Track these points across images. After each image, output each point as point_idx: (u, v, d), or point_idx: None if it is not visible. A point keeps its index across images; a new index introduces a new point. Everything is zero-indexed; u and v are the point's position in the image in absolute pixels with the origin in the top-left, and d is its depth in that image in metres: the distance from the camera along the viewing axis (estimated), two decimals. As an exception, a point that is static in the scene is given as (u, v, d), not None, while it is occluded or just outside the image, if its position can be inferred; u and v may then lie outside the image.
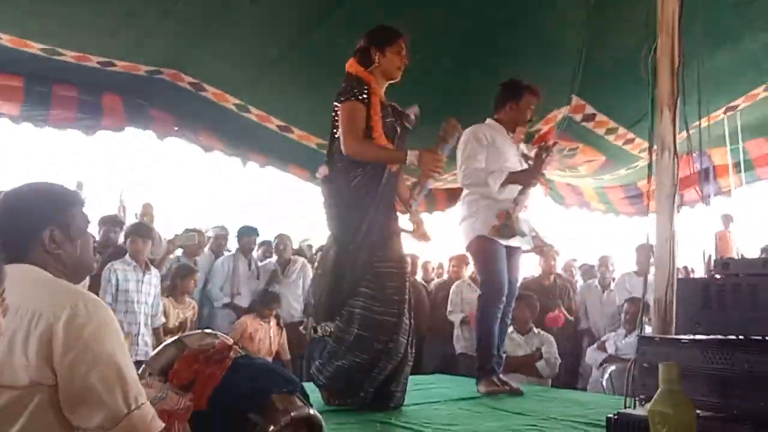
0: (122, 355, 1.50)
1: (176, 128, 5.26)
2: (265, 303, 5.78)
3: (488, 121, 3.96)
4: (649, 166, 3.36)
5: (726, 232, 7.03)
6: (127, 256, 4.90)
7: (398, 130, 3.25)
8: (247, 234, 6.42)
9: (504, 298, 3.81)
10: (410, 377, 3.33)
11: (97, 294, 4.17)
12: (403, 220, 3.42)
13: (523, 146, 4.01)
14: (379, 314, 3.10)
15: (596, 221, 8.53)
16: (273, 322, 5.79)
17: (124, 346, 1.54)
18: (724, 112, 5.03)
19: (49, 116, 4.70)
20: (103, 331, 1.46)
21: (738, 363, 1.93)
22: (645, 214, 3.55)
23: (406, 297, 3.18)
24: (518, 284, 4.09)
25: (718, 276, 2.14)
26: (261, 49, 4.46)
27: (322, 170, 3.31)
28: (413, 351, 3.28)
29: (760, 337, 1.97)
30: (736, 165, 4.14)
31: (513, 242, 3.86)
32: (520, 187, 3.79)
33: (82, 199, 1.73)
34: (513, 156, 3.89)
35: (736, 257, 5.36)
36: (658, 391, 1.84)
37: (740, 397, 1.90)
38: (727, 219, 6.55)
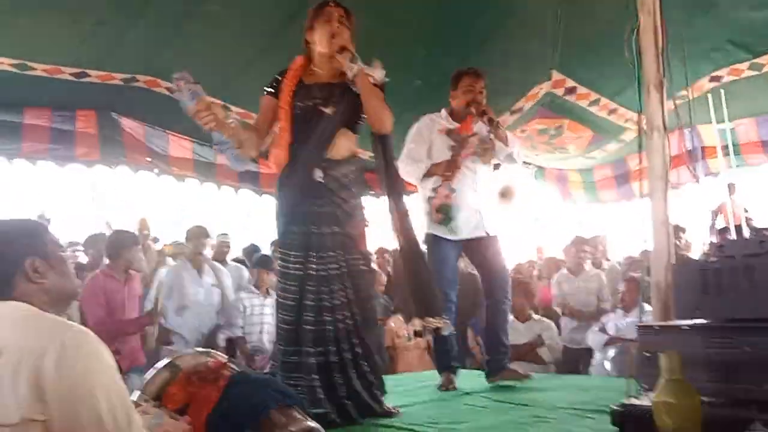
0: (115, 386, 1.48)
1: (149, 159, 5.24)
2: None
3: (442, 111, 3.94)
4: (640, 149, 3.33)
5: (729, 202, 6.98)
6: None
7: (332, 105, 3.01)
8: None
9: (450, 296, 3.74)
10: (414, 374, 3.25)
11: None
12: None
13: (482, 128, 3.89)
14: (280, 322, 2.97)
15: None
16: None
17: (117, 374, 1.52)
18: (709, 81, 5.01)
19: (22, 148, 4.73)
20: (93, 363, 1.45)
21: (739, 346, 1.91)
22: (629, 199, 3.57)
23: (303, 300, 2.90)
24: (504, 272, 3.95)
25: (714, 259, 2.11)
26: (237, 49, 4.42)
27: None
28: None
29: (760, 319, 1.93)
30: (725, 147, 4.13)
31: (469, 234, 3.80)
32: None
33: (48, 228, 1.73)
34: (442, 146, 3.84)
35: (745, 227, 5.38)
36: (661, 381, 1.82)
37: (743, 381, 1.88)
38: (731, 188, 6.50)
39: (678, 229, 5.88)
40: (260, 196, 6.24)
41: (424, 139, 3.85)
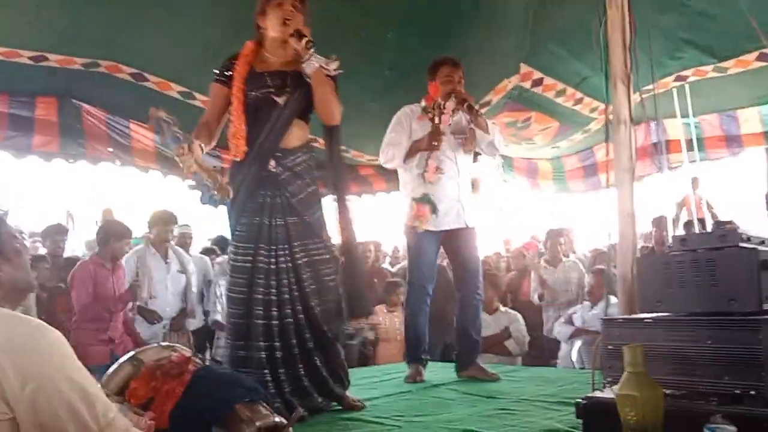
0: (80, 375, 1.44)
1: (110, 149, 5.13)
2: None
3: (421, 101, 3.91)
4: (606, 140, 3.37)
5: (693, 195, 7.10)
6: None
7: (286, 94, 2.96)
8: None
9: (427, 290, 3.83)
10: (384, 366, 3.24)
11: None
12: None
13: (462, 117, 3.91)
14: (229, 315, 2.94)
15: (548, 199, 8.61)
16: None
17: (78, 362, 1.49)
18: (674, 80, 5.09)
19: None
20: (56, 357, 1.41)
21: (700, 339, 1.94)
22: (597, 189, 3.62)
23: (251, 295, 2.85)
24: (477, 266, 3.95)
25: (676, 252, 2.14)
26: (201, 35, 4.32)
27: None
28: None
29: (721, 313, 1.97)
30: (689, 141, 4.22)
31: (449, 225, 3.80)
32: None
33: (4, 219, 1.68)
34: (422, 133, 3.82)
35: (709, 220, 5.48)
36: (624, 375, 1.84)
37: (705, 374, 1.91)
38: (694, 182, 6.62)
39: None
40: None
41: (404, 128, 3.84)
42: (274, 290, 2.85)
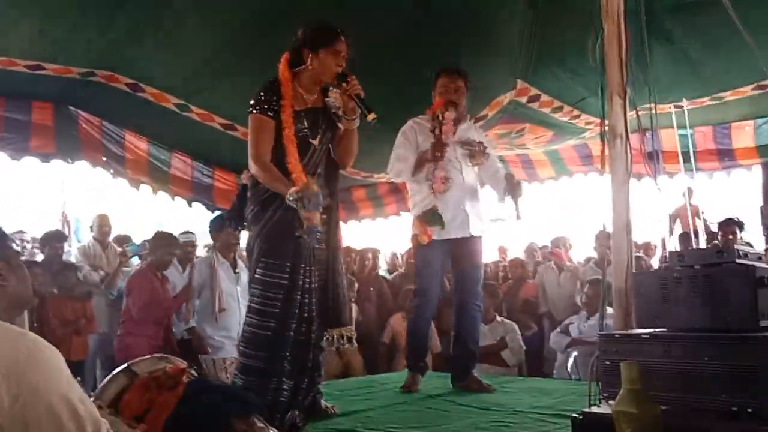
0: (73, 393, 1.43)
1: (104, 158, 5.13)
2: None
3: (426, 112, 3.92)
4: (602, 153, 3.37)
5: (688, 206, 7.10)
6: None
7: (318, 134, 3.02)
8: None
9: (430, 299, 3.85)
10: (382, 375, 3.28)
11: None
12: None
13: (469, 127, 3.94)
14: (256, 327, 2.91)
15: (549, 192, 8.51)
16: None
17: (73, 381, 1.48)
18: (672, 108, 5.12)
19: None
20: (48, 373, 1.40)
21: (697, 356, 1.93)
22: (599, 173, 3.65)
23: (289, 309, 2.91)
24: (478, 276, 3.94)
25: (672, 268, 2.13)
26: (201, 45, 4.31)
27: (245, 175, 3.21)
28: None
29: (718, 329, 1.96)
30: (684, 153, 4.25)
31: (455, 233, 3.79)
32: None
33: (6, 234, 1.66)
34: (428, 144, 3.82)
35: (702, 231, 5.48)
36: (621, 391, 1.83)
37: (702, 390, 1.90)
38: (689, 192, 6.62)
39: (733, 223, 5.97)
40: (212, 211, 5.98)
41: (410, 142, 3.84)
42: (306, 307, 2.95)
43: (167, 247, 5.06)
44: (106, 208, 6.62)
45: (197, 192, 5.95)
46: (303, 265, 2.94)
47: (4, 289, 1.55)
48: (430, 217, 3.71)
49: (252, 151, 2.90)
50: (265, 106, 2.90)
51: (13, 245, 1.65)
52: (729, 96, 5.11)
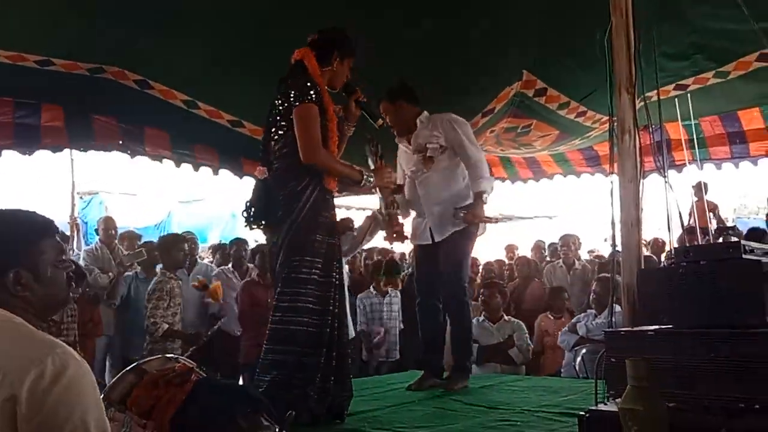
0: (95, 411, 1.43)
1: (120, 141, 5.10)
2: None
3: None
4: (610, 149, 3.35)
5: (701, 202, 7.03)
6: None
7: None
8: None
9: (420, 300, 3.94)
10: (388, 375, 3.29)
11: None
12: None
13: (421, 129, 3.90)
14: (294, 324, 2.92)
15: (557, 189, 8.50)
16: None
17: (98, 397, 1.47)
18: (674, 89, 5.08)
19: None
20: (73, 390, 1.39)
21: (704, 353, 1.92)
22: (606, 174, 3.64)
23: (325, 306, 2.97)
24: (451, 272, 3.80)
25: (679, 264, 2.13)
26: (210, 45, 4.31)
27: (260, 170, 3.21)
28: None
29: (725, 326, 1.95)
30: (690, 141, 4.22)
31: (418, 241, 3.94)
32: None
33: (53, 228, 1.64)
34: (408, 161, 3.98)
35: (714, 227, 5.44)
36: (628, 388, 1.83)
37: (709, 387, 1.89)
38: (700, 188, 6.54)
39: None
40: (241, 178, 5.90)
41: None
42: (338, 303, 3.03)
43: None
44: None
45: (224, 161, 5.81)
46: (334, 263, 3.03)
47: (26, 299, 1.53)
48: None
49: (313, 141, 2.93)
50: (314, 97, 2.95)
51: (50, 245, 1.61)
52: (733, 71, 5.04)
